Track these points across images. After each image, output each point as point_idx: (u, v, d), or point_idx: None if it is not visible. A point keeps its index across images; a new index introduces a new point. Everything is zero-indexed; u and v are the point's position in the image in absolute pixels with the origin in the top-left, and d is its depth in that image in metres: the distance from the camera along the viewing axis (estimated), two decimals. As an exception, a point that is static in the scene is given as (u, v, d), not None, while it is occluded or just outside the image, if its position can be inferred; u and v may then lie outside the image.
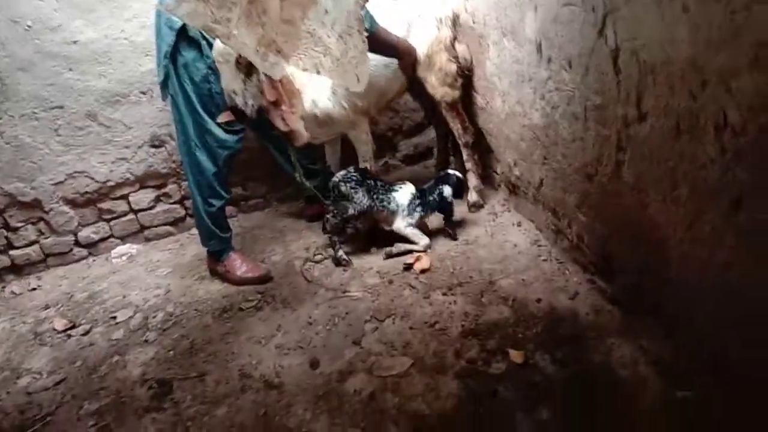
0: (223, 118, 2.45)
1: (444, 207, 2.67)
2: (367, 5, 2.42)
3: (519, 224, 2.71)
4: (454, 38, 2.81)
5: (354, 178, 2.60)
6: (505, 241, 2.60)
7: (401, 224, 2.64)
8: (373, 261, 2.67)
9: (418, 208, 2.63)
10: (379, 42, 2.49)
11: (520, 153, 2.51)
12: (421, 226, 2.72)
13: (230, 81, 2.31)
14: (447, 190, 2.64)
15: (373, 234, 2.82)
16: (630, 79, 1.55)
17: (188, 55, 2.42)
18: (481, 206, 2.99)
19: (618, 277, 1.93)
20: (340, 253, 2.65)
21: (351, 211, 2.60)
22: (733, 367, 1.39)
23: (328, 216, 2.66)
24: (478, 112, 2.92)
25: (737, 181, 1.25)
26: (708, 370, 1.48)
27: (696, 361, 1.54)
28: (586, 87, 1.80)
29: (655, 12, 1.39)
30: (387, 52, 2.65)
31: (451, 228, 2.74)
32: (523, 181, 2.58)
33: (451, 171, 2.71)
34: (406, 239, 2.65)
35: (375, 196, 2.60)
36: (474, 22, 2.62)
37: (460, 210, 2.90)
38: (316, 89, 2.67)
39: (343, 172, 2.63)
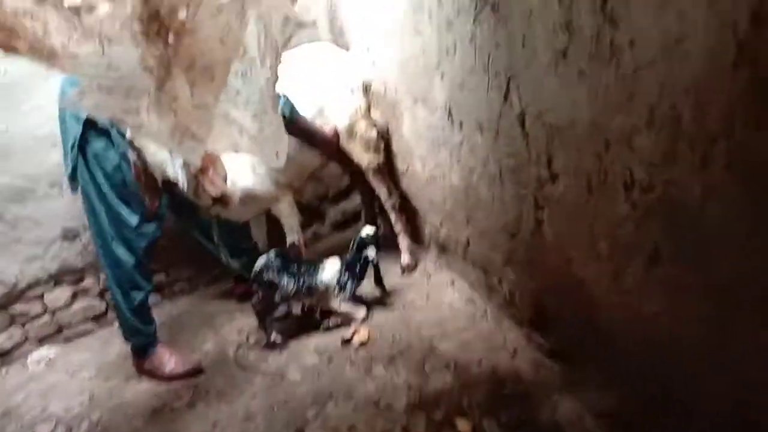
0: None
1: (375, 270, 2.63)
2: (282, 89, 2.45)
3: (453, 283, 2.71)
4: (369, 105, 2.86)
5: (275, 264, 2.51)
6: (440, 302, 2.58)
7: (335, 303, 2.57)
8: (311, 339, 2.57)
9: (348, 282, 2.57)
10: (299, 131, 2.55)
11: (445, 214, 2.53)
12: (356, 297, 2.66)
13: (156, 152, 2.21)
14: (371, 252, 2.56)
15: (308, 311, 2.73)
16: (538, 141, 1.60)
17: (98, 144, 2.32)
18: (414, 267, 2.97)
19: (554, 331, 1.93)
20: (273, 335, 2.53)
21: (277, 298, 2.51)
22: (674, 410, 1.40)
23: (253, 302, 2.56)
24: (400, 176, 2.95)
25: (651, 237, 1.28)
26: (651, 416, 1.48)
27: (638, 408, 1.53)
28: (498, 150, 1.85)
29: (553, 77, 1.44)
30: (308, 140, 2.66)
31: (382, 287, 2.70)
32: (451, 241, 2.60)
33: (364, 232, 2.61)
34: (342, 314, 2.59)
35: (300, 280, 2.52)
36: (386, 90, 2.68)
37: (394, 272, 2.93)
38: (236, 169, 2.61)
39: (263, 259, 2.53)
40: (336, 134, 2.74)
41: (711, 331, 1.20)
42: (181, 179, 2.25)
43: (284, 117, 2.47)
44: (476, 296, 2.51)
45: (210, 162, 2.29)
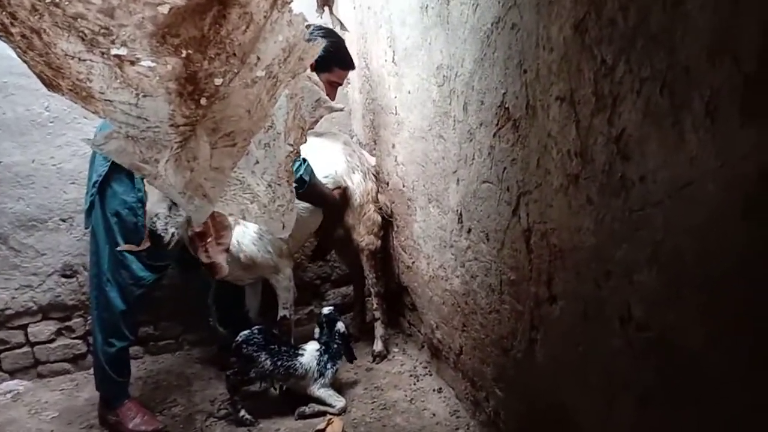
0: (125, 247, 2.32)
1: (345, 342, 2.60)
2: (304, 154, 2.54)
3: (440, 390, 2.60)
4: (378, 190, 3.04)
5: (257, 340, 2.46)
6: (423, 409, 2.47)
7: (314, 388, 2.49)
8: (283, 421, 2.46)
9: (329, 365, 2.51)
10: (315, 194, 2.68)
11: (442, 316, 2.48)
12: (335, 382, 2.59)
13: (155, 204, 2.23)
14: (341, 326, 2.59)
15: (286, 390, 2.64)
16: (541, 260, 1.58)
17: (119, 186, 2.37)
18: (385, 356, 3.00)
19: (535, 463, 1.82)
20: (242, 413, 2.43)
21: (252, 374, 2.44)
22: None
23: (228, 373, 2.48)
24: (405, 270, 2.94)
25: (644, 377, 1.23)
26: None
27: None
28: (501, 261, 1.83)
29: (563, 199, 1.45)
30: (317, 202, 2.78)
31: (352, 356, 2.64)
32: (444, 345, 2.52)
33: (325, 310, 2.68)
34: (321, 401, 2.50)
35: (279, 363, 2.45)
36: (404, 186, 2.72)
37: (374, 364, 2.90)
38: (243, 231, 2.63)
39: (246, 333, 2.49)
40: (343, 196, 2.89)
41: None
42: (168, 238, 2.25)
43: (305, 180, 2.56)
44: (461, 409, 2.40)
45: (215, 230, 2.30)
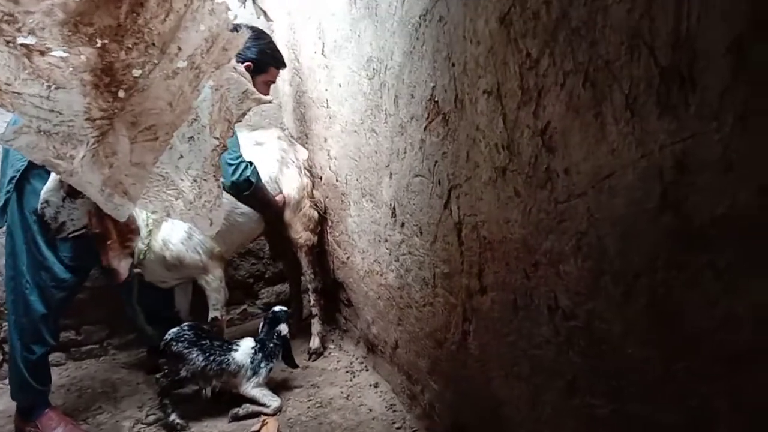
0: None
1: (284, 346, 2.55)
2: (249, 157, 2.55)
3: (376, 385, 2.59)
4: (313, 186, 3.02)
5: (187, 337, 2.39)
6: (360, 405, 2.46)
7: (247, 387, 2.42)
8: (216, 424, 2.38)
9: (263, 363, 2.45)
10: (259, 199, 2.64)
11: (378, 311, 2.47)
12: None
13: (50, 191, 2.12)
14: (284, 329, 2.54)
15: (219, 395, 2.55)
16: (472, 252, 1.59)
17: (38, 184, 2.22)
18: (321, 353, 2.98)
19: (469, 453, 1.84)
20: (173, 417, 2.34)
21: (183, 373, 2.35)
22: None
23: (158, 376, 2.38)
24: (340, 266, 2.91)
25: (571, 364, 1.25)
26: None
27: None
28: (434, 254, 1.84)
29: (491, 192, 1.46)
30: (262, 208, 2.75)
31: (292, 363, 2.59)
32: (380, 340, 2.52)
33: (276, 309, 2.63)
34: (255, 401, 2.43)
35: (211, 358, 2.38)
36: (337, 181, 2.69)
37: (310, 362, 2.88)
38: (170, 229, 2.52)
39: (175, 330, 2.41)
40: (284, 204, 2.86)
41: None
42: (55, 226, 2.15)
43: (251, 182, 2.51)
44: (398, 403, 2.41)
45: (118, 233, 2.20)
